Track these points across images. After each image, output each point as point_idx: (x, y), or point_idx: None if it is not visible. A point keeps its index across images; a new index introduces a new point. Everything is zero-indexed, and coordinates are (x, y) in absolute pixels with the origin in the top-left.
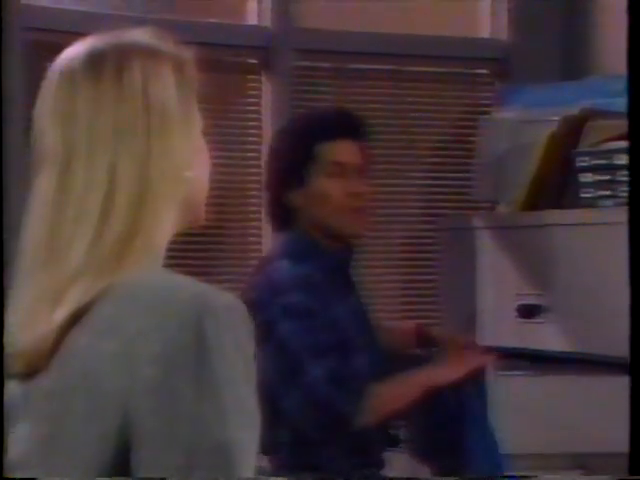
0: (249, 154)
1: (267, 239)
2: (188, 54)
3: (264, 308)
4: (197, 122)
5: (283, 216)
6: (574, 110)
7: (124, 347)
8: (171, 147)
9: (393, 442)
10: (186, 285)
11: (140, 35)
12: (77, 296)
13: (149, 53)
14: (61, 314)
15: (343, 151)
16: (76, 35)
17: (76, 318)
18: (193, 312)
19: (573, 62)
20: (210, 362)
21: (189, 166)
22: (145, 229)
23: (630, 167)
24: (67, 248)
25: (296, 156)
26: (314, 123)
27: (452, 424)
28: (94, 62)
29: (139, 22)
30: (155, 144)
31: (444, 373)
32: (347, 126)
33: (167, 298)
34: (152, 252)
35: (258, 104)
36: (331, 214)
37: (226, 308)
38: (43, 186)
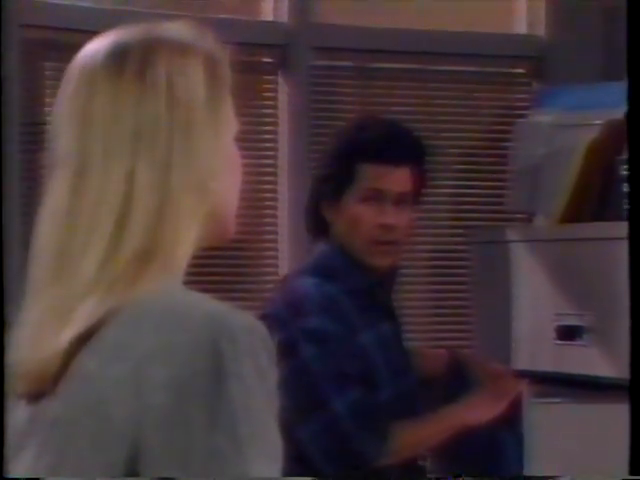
0: (264, 160)
1: (284, 252)
2: (222, 52)
3: (283, 328)
4: (229, 127)
5: (318, 226)
6: (618, 114)
7: (133, 372)
8: (195, 153)
9: (418, 474)
10: (201, 304)
11: (169, 29)
12: (85, 315)
13: (177, 48)
14: (68, 335)
15: (386, 177)
16: (76, 32)
17: (84, 340)
18: (208, 334)
19: (617, 61)
20: (227, 389)
21: (216, 176)
22: (164, 245)
23: (630, 170)
24: (78, 261)
25: (336, 169)
26: (363, 139)
27: (482, 460)
28: (115, 57)
29: (145, 18)
30: (178, 149)
31: (477, 411)
32: (398, 150)
33: (179, 318)
34: (170, 270)
35: (274, 106)
36: (358, 241)
37: (245, 330)
38: (56, 191)
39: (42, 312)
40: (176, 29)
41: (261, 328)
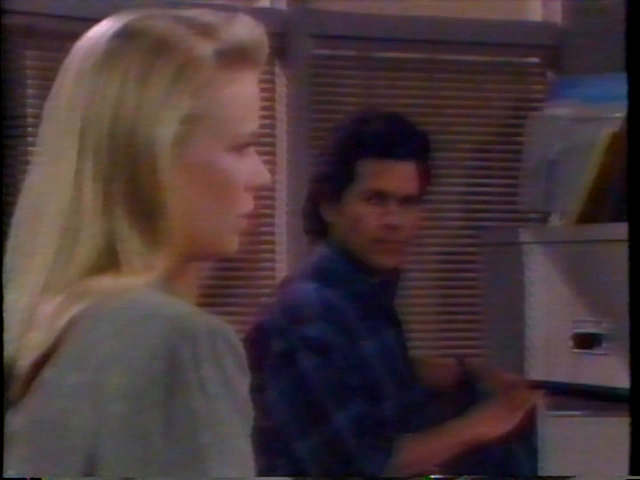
0: (261, 157)
1: (281, 255)
2: (209, 50)
3: (281, 336)
4: (204, 141)
5: (317, 227)
6: None
7: (90, 381)
8: (144, 170)
9: None
10: (163, 307)
11: (153, 22)
12: (49, 325)
13: (147, 47)
14: (33, 346)
15: (389, 174)
16: (56, 18)
17: (49, 350)
18: (166, 338)
19: None
20: (187, 396)
21: (171, 196)
22: (119, 262)
23: (630, 170)
24: (38, 261)
25: (336, 168)
26: (365, 133)
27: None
28: (86, 52)
29: (129, 5)
30: (121, 161)
31: (489, 425)
32: (402, 146)
33: (139, 323)
34: (135, 282)
35: (271, 98)
36: (359, 242)
37: (207, 333)
38: (25, 186)
39: (10, 309)
40: (164, 19)
41: (227, 331)
